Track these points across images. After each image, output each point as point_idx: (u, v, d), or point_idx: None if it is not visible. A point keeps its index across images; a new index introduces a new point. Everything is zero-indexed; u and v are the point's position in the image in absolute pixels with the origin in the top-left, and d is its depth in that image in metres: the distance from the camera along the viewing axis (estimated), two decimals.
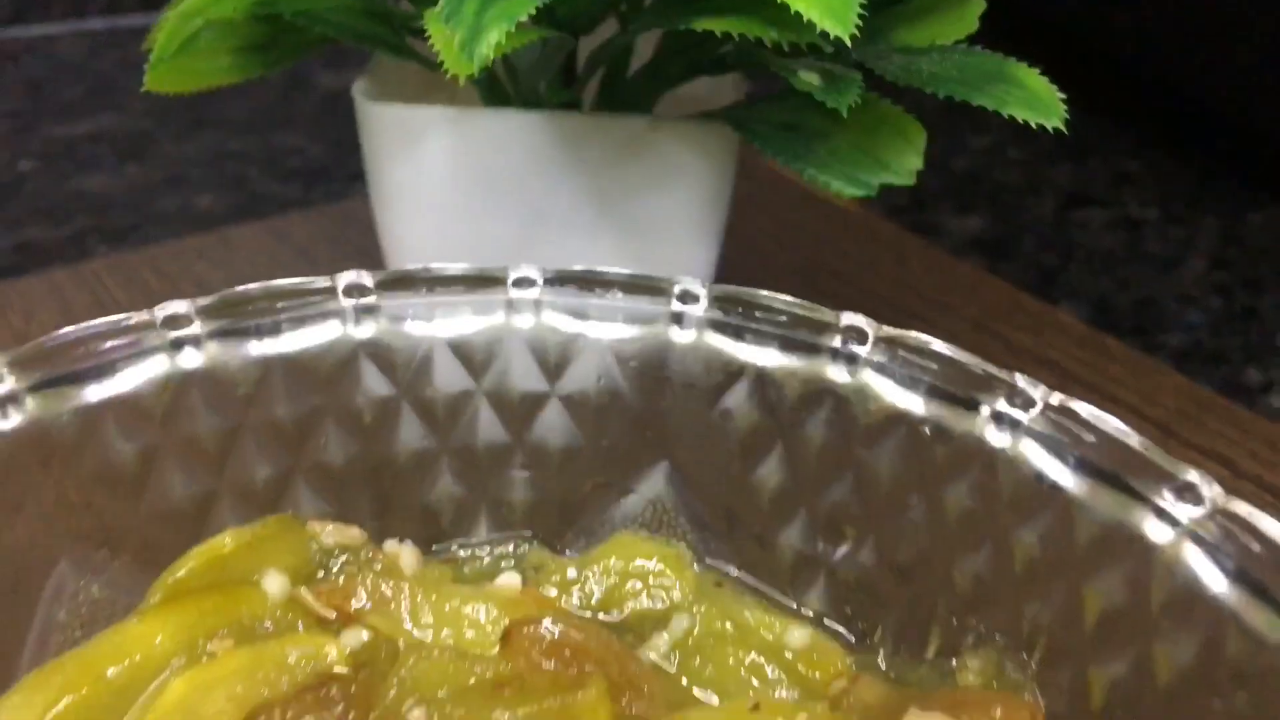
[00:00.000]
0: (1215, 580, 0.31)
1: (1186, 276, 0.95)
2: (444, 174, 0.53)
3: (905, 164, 0.47)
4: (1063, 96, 0.43)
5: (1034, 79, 0.44)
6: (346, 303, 0.39)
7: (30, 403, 0.35)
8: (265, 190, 1.04)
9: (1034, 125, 0.42)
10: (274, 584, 0.38)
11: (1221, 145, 1.18)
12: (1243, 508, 0.32)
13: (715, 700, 0.37)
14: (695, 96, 0.56)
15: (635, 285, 0.41)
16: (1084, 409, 0.36)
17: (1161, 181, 1.10)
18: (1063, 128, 0.42)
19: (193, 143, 1.09)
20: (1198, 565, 0.32)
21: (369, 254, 0.61)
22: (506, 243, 0.53)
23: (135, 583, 0.37)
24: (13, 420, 0.35)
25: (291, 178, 1.07)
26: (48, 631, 0.36)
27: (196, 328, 0.38)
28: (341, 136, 1.13)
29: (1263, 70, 1.09)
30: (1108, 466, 0.34)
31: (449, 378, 0.41)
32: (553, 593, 0.40)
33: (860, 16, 0.41)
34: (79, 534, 0.36)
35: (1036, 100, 0.43)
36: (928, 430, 0.37)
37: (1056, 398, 0.36)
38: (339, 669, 0.36)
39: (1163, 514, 0.33)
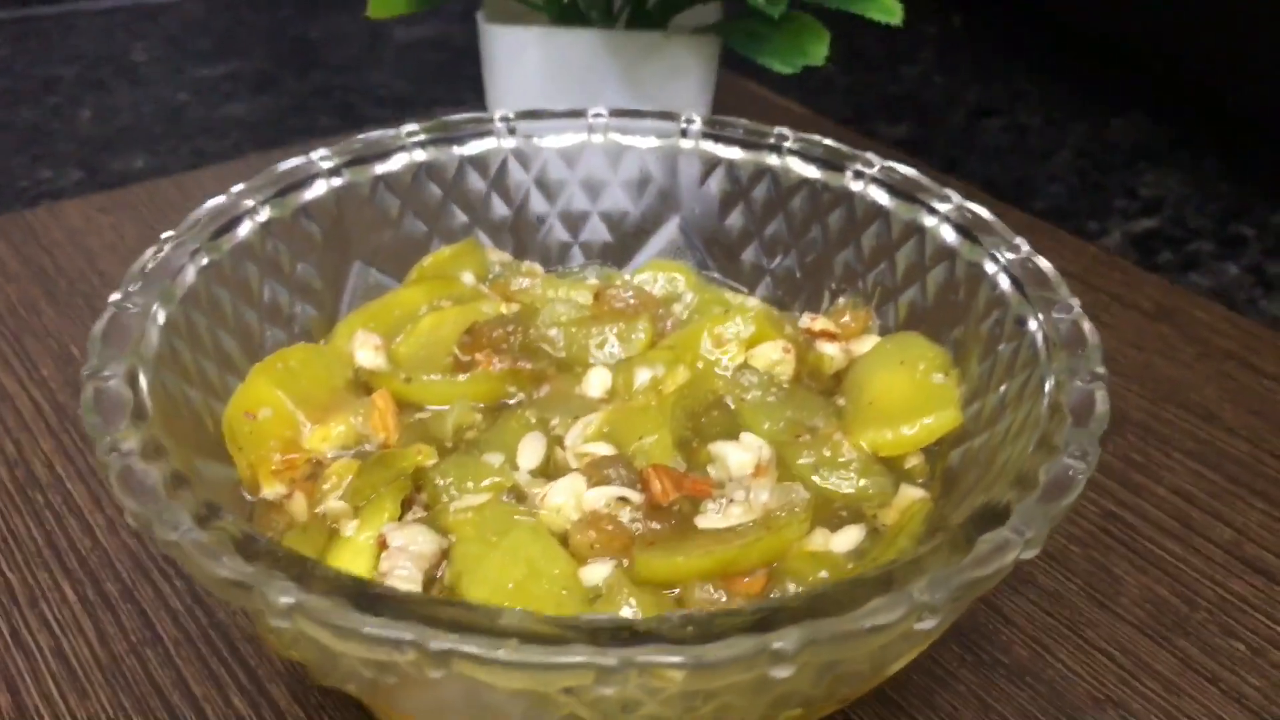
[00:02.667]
0: (951, 238, 0.60)
1: (1057, 163, 1.24)
2: (535, 69, 0.82)
3: (817, 52, 0.77)
4: (901, 5, 0.72)
5: None
6: (500, 125, 0.69)
7: (346, 173, 0.64)
8: (368, 114, 1.33)
9: (881, 21, 0.71)
10: (468, 278, 0.67)
11: (1093, 65, 1.46)
12: (972, 205, 0.61)
13: None
14: (692, 16, 0.85)
15: (659, 116, 0.70)
16: (905, 169, 0.65)
17: (1047, 97, 1.38)
18: (898, 22, 0.71)
19: (306, 81, 1.37)
20: (945, 234, 0.61)
21: None
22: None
23: (394, 275, 0.67)
24: (335, 182, 0.64)
25: (385, 104, 1.35)
26: (354, 295, 0.65)
27: (424, 138, 0.67)
28: (418, 75, 1.41)
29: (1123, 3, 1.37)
30: (907, 191, 0.63)
31: (557, 170, 0.70)
32: (617, 284, 0.69)
33: None
34: (366, 246, 0.66)
35: (885, 6, 0.72)
36: (820, 186, 0.66)
37: (888, 163, 0.65)
38: (507, 315, 0.65)
39: (932, 210, 0.62)
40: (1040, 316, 0.53)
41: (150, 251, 0.54)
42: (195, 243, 0.56)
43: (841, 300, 0.66)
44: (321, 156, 0.64)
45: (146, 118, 1.28)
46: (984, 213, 0.60)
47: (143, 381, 0.48)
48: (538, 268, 0.69)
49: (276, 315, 0.61)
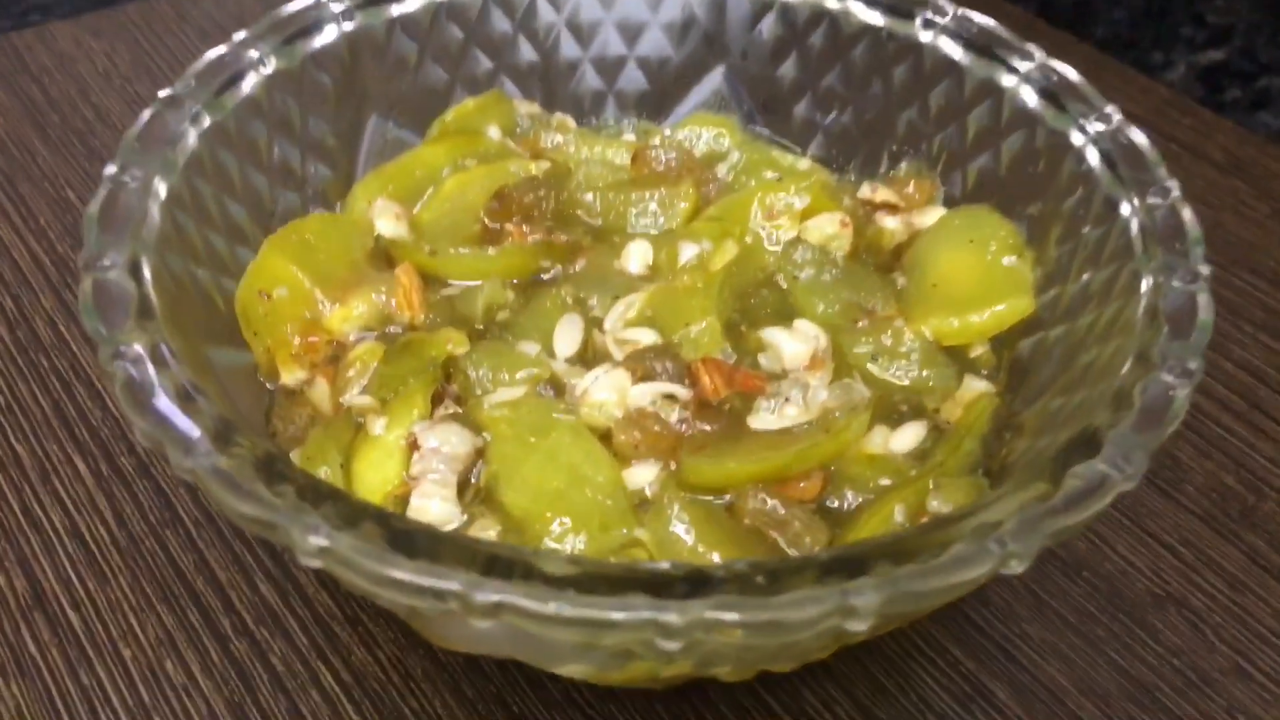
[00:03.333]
0: (1032, 101, 0.54)
1: None
2: None
3: None
4: None
5: None
6: None
7: (359, 15, 0.58)
8: None
9: None
10: (494, 132, 0.62)
11: None
12: (1058, 64, 0.55)
13: None
14: None
15: None
16: (981, 19, 0.58)
17: None
18: None
19: None
20: (1025, 96, 0.55)
21: None
22: None
23: (413, 130, 0.61)
24: (346, 26, 0.57)
25: None
26: (371, 154, 0.60)
27: None
28: None
29: None
30: (984, 46, 0.57)
31: (591, 11, 0.63)
32: (656, 141, 0.63)
33: None
34: (383, 98, 0.60)
35: None
36: (883, 35, 0.60)
37: (962, 12, 0.58)
38: (538, 176, 0.60)
39: (1010, 68, 0.55)
40: (1134, 201, 0.48)
41: (146, 114, 0.49)
42: (196, 102, 0.50)
43: (903, 165, 0.60)
44: None
45: None
46: (1071, 74, 0.54)
47: (146, 270, 0.43)
48: (569, 121, 0.63)
49: (288, 177, 0.56)
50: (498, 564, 0.33)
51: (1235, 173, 0.80)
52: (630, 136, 0.64)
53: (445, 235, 0.56)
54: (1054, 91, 0.53)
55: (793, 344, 0.50)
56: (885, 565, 0.34)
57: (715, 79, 0.64)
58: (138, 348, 0.39)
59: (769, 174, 0.60)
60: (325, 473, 0.44)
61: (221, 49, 0.53)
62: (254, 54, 0.53)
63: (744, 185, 0.61)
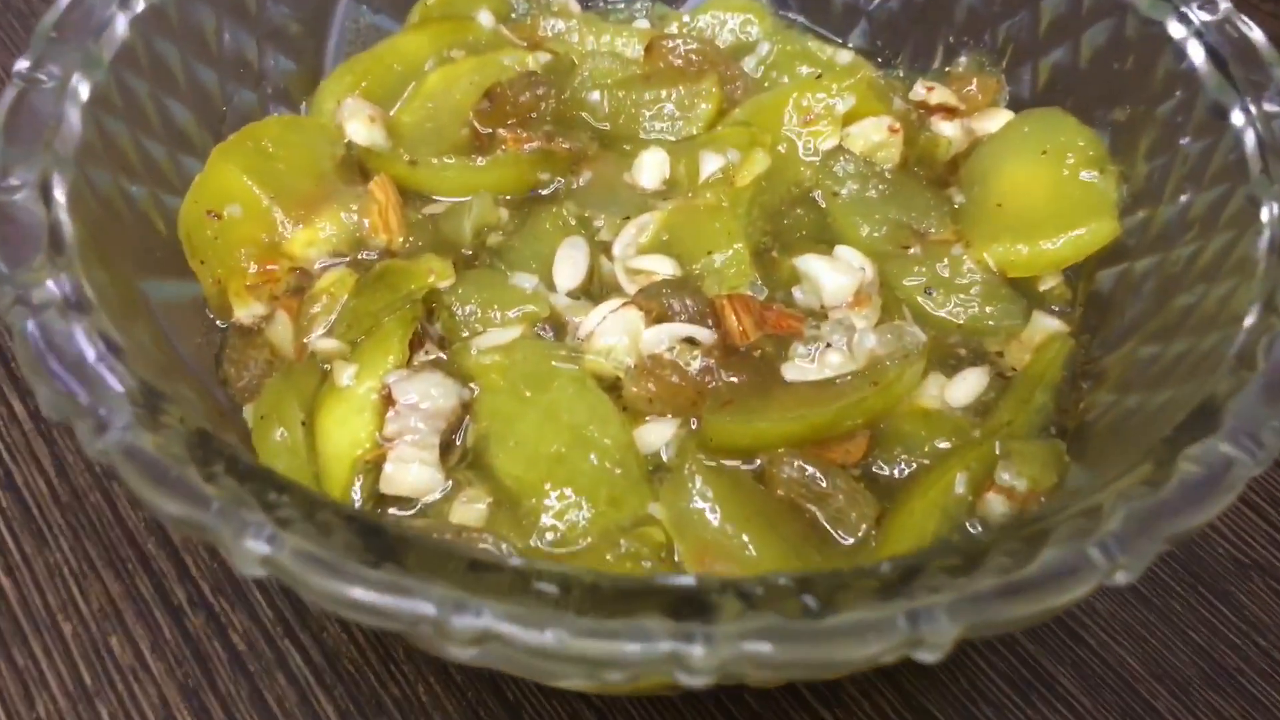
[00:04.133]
0: None
1: None
2: None
3: None
4: None
5: None
6: None
7: None
8: None
9: None
10: (485, 18, 0.54)
11: None
12: None
13: None
14: None
15: None
16: None
17: None
18: None
19: None
20: None
21: None
22: None
23: (390, 15, 0.53)
24: None
25: None
26: (341, 43, 0.52)
27: None
28: None
29: None
30: None
31: None
32: (673, 30, 0.55)
33: None
34: None
35: None
36: None
37: None
38: (536, 70, 0.52)
39: None
40: (1250, 107, 0.40)
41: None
42: None
43: (962, 60, 0.52)
44: None
45: None
46: None
47: (60, 191, 0.36)
48: (573, 4, 0.55)
49: (243, 71, 0.48)
50: (481, 577, 0.27)
51: None
52: (643, 23, 0.56)
53: (427, 141, 0.49)
54: None
55: (834, 276, 0.43)
56: (959, 578, 0.27)
57: None
58: (50, 287, 0.32)
59: (804, 69, 0.52)
60: (282, 435, 0.38)
61: None
62: None
63: (775, 82, 0.53)
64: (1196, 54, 0.43)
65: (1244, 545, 0.48)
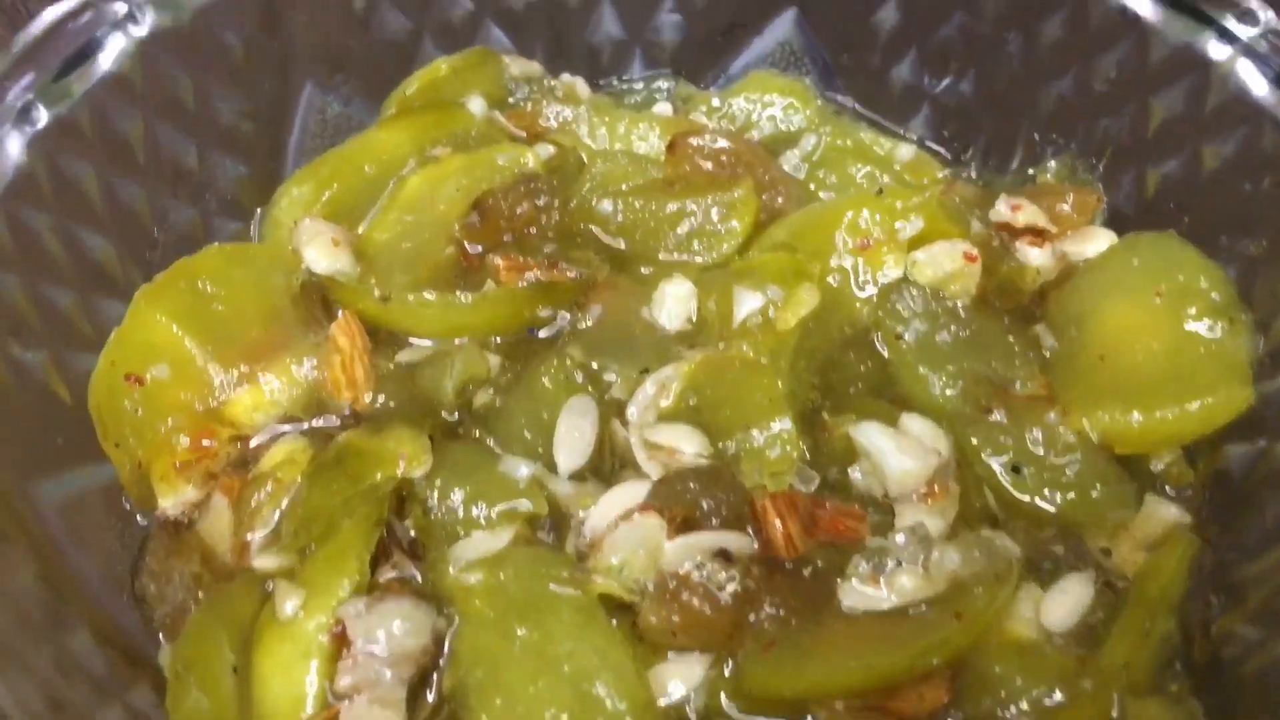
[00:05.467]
0: (1259, 86, 0.38)
1: None
2: None
3: None
4: None
5: None
6: None
7: None
8: None
9: None
10: (476, 105, 0.45)
11: None
12: None
13: None
14: None
15: None
16: None
17: None
18: None
19: None
20: (1247, 76, 0.38)
21: None
22: None
23: (364, 103, 0.45)
24: None
25: None
26: (304, 139, 0.44)
27: None
28: None
29: None
30: None
31: None
32: (700, 119, 0.47)
33: None
34: (320, 59, 0.43)
35: None
36: None
37: None
38: (537, 172, 0.44)
39: (1224, 33, 0.39)
40: None
41: None
42: (24, 90, 0.34)
43: (1051, 164, 0.43)
44: None
45: None
46: None
47: None
48: (580, 86, 0.47)
49: (180, 184, 0.40)
50: None
51: None
52: (665, 107, 0.48)
53: (404, 265, 0.41)
54: None
55: (900, 460, 0.35)
56: None
57: (784, 24, 0.48)
58: None
59: (859, 171, 0.44)
60: (200, 701, 0.30)
61: (67, 5, 0.36)
62: (118, 7, 0.37)
63: (823, 184, 0.45)
64: None
65: None
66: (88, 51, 0.36)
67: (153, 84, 0.38)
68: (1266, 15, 0.38)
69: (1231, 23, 0.39)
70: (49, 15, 0.36)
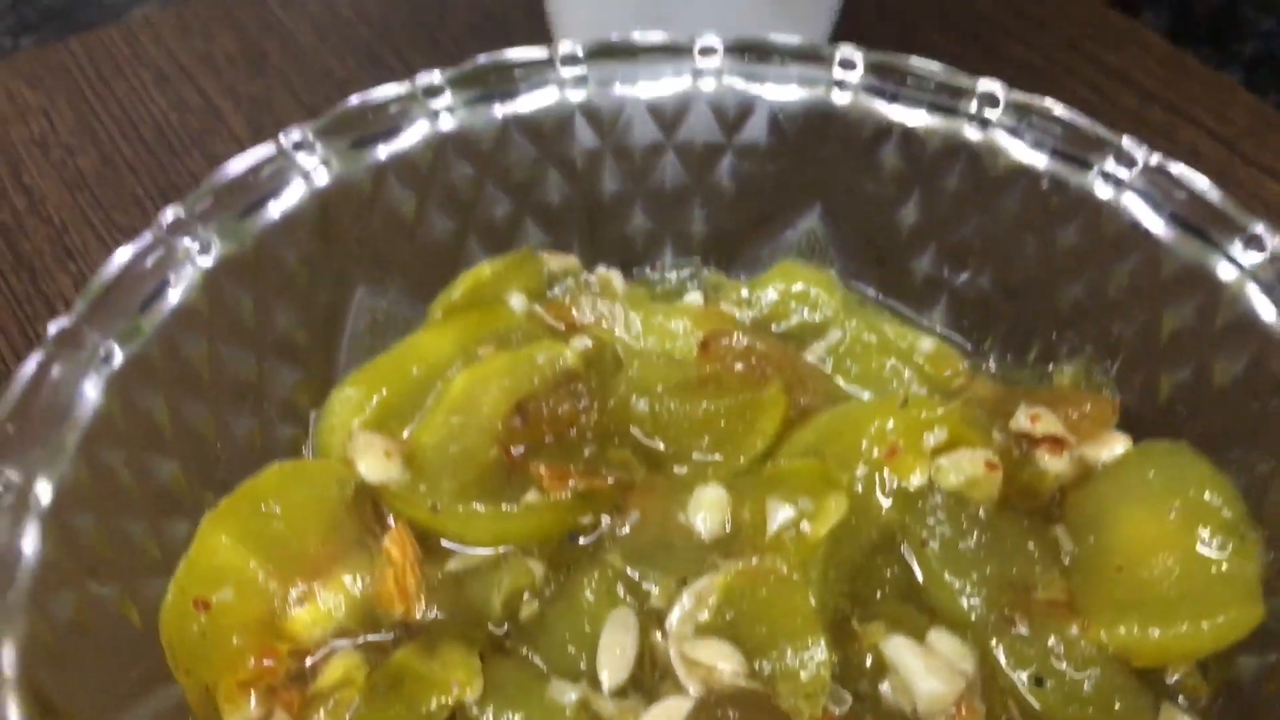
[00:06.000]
0: (1268, 312, 0.40)
1: None
2: None
3: None
4: None
5: None
6: (564, 69, 0.46)
7: (335, 163, 0.43)
8: None
9: None
10: (517, 302, 0.48)
11: None
12: None
13: (865, 395, 0.47)
14: None
15: (799, 53, 0.47)
16: (1177, 168, 0.43)
17: None
18: None
19: None
20: (1255, 299, 0.40)
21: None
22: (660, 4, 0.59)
23: (412, 302, 0.47)
24: (319, 181, 0.43)
25: None
26: (355, 339, 0.46)
27: (448, 97, 0.45)
28: None
29: None
30: (1191, 218, 0.42)
31: (644, 132, 0.48)
32: (730, 308, 0.49)
33: None
34: (371, 264, 0.46)
35: None
36: (1045, 183, 0.45)
37: (1155, 158, 0.43)
38: (575, 367, 0.46)
39: (1231, 259, 0.41)
40: None
41: (29, 366, 0.35)
42: (103, 334, 0.37)
43: (1066, 367, 0.45)
44: (297, 142, 0.43)
45: None
46: None
47: (7, 663, 0.30)
48: (616, 277, 0.49)
49: (242, 398, 0.42)
50: None
51: None
52: (695, 295, 0.50)
53: (451, 469, 0.42)
54: None
55: (930, 681, 0.37)
56: None
57: (810, 220, 0.50)
58: None
59: (885, 365, 0.46)
60: None
61: (139, 244, 0.39)
62: (187, 244, 0.39)
63: (850, 374, 0.47)
64: None
65: None
66: (157, 292, 0.39)
67: (218, 310, 0.40)
68: (1275, 241, 0.40)
69: (1238, 248, 0.41)
70: (121, 256, 0.38)
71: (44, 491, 0.34)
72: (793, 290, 0.49)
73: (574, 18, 0.61)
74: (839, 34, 0.62)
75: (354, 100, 0.44)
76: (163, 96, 0.72)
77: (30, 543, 0.33)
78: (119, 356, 0.37)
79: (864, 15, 0.74)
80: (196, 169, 0.67)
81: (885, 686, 0.38)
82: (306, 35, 0.76)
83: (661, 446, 0.44)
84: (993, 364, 0.48)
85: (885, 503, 0.42)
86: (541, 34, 0.66)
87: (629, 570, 0.40)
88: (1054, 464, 0.43)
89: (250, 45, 0.75)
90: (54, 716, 0.31)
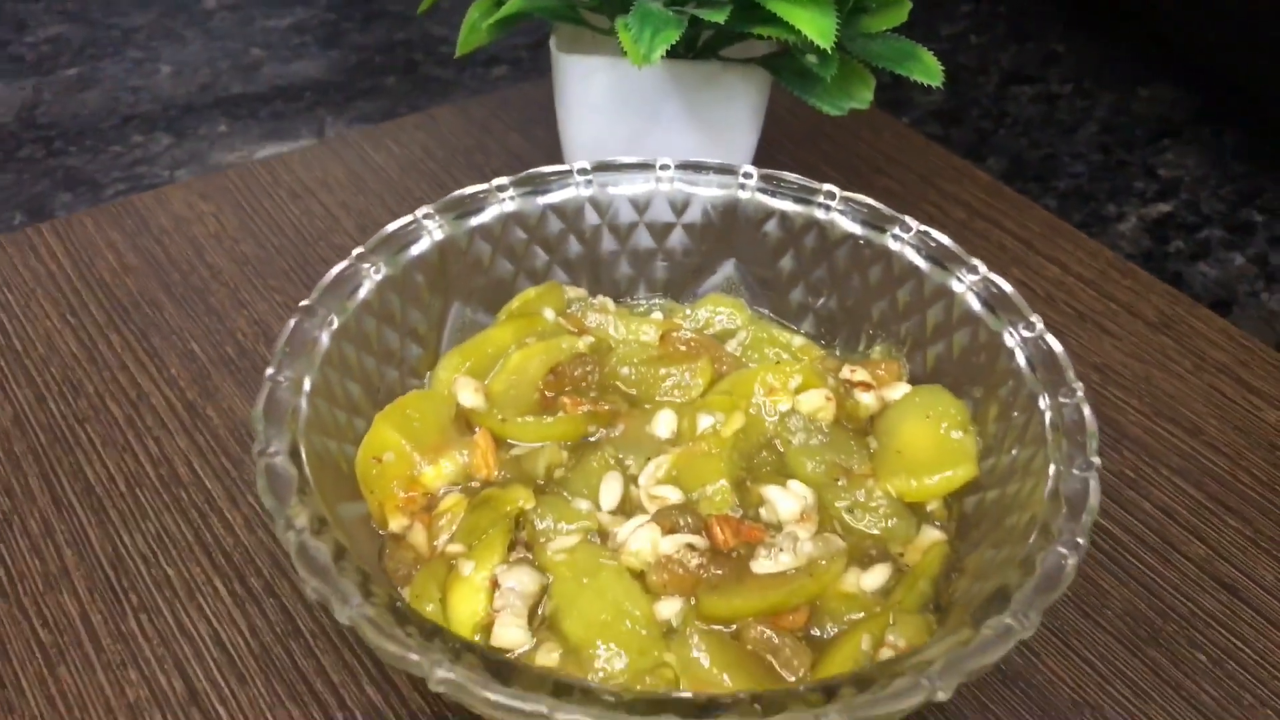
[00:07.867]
0: (979, 309, 0.68)
1: (1083, 138, 1.29)
2: (603, 96, 0.89)
3: (864, 97, 0.83)
4: (942, 68, 0.78)
5: (927, 56, 0.79)
6: (578, 177, 0.76)
7: (446, 227, 0.72)
8: (431, 73, 1.38)
9: (924, 84, 0.77)
10: (549, 314, 0.76)
11: (1126, 28, 1.49)
12: (996, 278, 0.69)
13: None
14: (745, 49, 0.91)
15: (720, 169, 0.77)
16: (938, 235, 0.72)
17: (1079, 61, 1.42)
18: (939, 84, 0.77)
19: (369, 33, 1.41)
20: (972, 302, 0.69)
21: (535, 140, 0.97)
22: (638, 136, 0.89)
23: (487, 312, 0.76)
24: (438, 236, 0.72)
25: (446, 63, 1.40)
26: (453, 332, 0.74)
27: (511, 191, 0.75)
28: None
29: None
30: (939, 258, 0.71)
31: (628, 215, 0.77)
32: (679, 320, 0.78)
33: (840, 21, 0.76)
34: (463, 289, 0.74)
35: (928, 69, 0.78)
36: (861, 243, 0.74)
37: (923, 228, 0.73)
38: (585, 351, 0.74)
39: (960, 280, 0.70)
40: (1048, 397, 0.62)
41: (291, 323, 0.63)
42: (327, 309, 0.65)
43: (877, 348, 0.74)
44: (425, 214, 0.72)
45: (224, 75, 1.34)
46: (1006, 286, 0.68)
47: (303, 452, 0.57)
48: (609, 303, 0.77)
49: (390, 358, 0.70)
50: (566, 689, 0.47)
51: (1165, 329, 0.94)
52: (658, 315, 0.78)
53: (512, 404, 0.70)
54: (991, 301, 0.67)
55: (787, 501, 0.64)
56: (850, 693, 0.47)
57: (727, 269, 0.79)
58: (302, 519, 0.53)
59: (770, 351, 0.74)
60: (430, 608, 0.58)
61: (344, 264, 0.67)
62: (368, 266, 0.68)
63: (750, 358, 0.75)
64: (1020, 358, 0.65)
65: (1080, 691, 0.67)
66: (353, 290, 0.67)
67: (382, 306, 0.68)
68: (982, 269, 0.70)
69: (964, 273, 0.70)
70: (335, 270, 0.67)
71: (306, 383, 0.61)
72: (717, 310, 0.78)
73: (581, 150, 0.91)
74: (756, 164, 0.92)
75: (457, 193, 0.73)
76: (295, 206, 1.01)
77: (303, 406, 0.60)
78: (334, 322, 0.65)
79: (775, 156, 1.05)
80: (324, 254, 0.96)
81: (763, 512, 0.65)
82: (392, 168, 1.06)
83: (636, 393, 0.72)
84: (837, 350, 0.76)
85: (769, 420, 0.69)
86: (556, 160, 0.96)
87: (619, 454, 0.67)
88: (865, 398, 0.71)
89: (353, 174, 1.05)
90: (324, 501, 0.57)
